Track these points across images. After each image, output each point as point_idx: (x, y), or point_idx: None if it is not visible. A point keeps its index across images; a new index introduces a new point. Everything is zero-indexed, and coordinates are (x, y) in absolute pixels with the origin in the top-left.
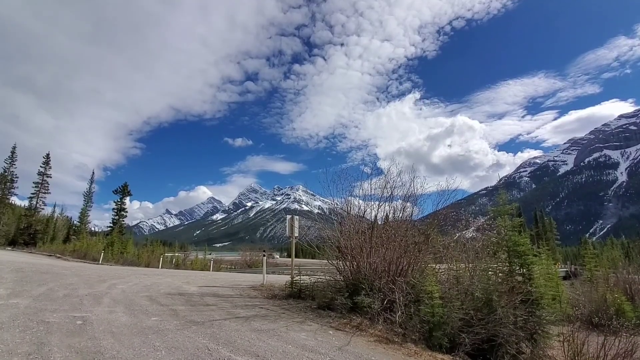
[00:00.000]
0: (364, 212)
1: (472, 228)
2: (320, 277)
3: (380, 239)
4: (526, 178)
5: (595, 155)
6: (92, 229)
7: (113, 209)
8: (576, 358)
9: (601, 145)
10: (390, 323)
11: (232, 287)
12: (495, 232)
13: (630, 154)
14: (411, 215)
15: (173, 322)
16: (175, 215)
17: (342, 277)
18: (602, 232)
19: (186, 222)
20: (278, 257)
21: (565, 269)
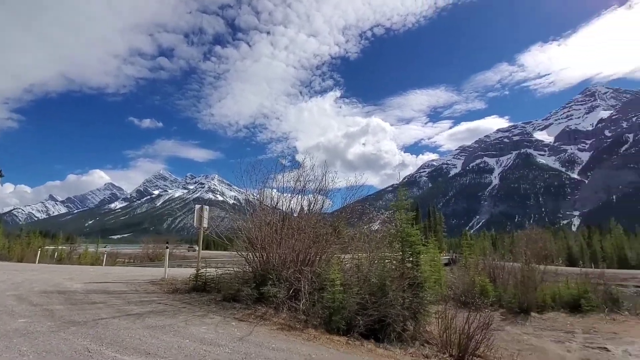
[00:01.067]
0: (277, 203)
1: (378, 221)
2: (229, 268)
3: (291, 230)
4: (425, 178)
5: (478, 161)
6: None
7: None
8: (447, 331)
9: (482, 153)
10: (295, 311)
11: (127, 282)
12: (393, 224)
13: (503, 162)
14: (322, 208)
15: (47, 324)
16: (62, 202)
17: (250, 269)
18: (478, 226)
19: (76, 211)
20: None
21: (448, 257)
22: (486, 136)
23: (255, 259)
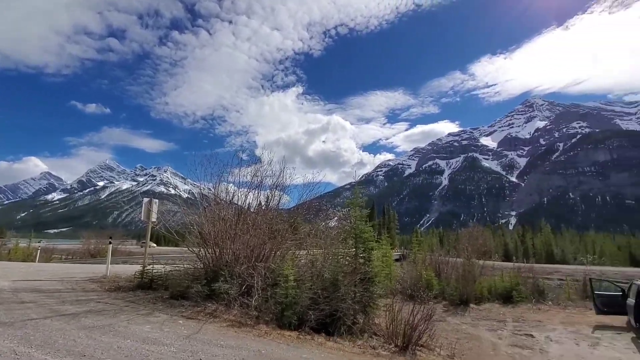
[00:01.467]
0: (232, 198)
1: (335, 218)
2: (179, 265)
3: (246, 225)
4: (381, 177)
5: (430, 162)
6: None
7: None
8: (393, 323)
9: (434, 155)
10: (247, 307)
11: (62, 280)
12: (349, 221)
13: (452, 164)
14: (278, 204)
15: None
16: None
17: (202, 265)
18: (428, 224)
19: (6, 202)
20: (155, 246)
21: (399, 253)
22: (438, 139)
23: (208, 254)
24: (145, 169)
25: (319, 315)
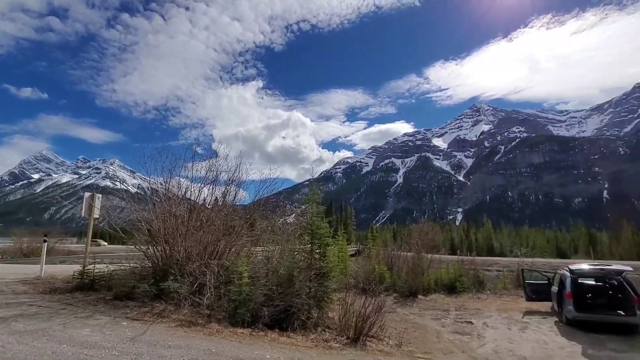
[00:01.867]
0: (185, 193)
1: (294, 214)
2: (124, 264)
3: (200, 221)
4: (340, 174)
5: (386, 161)
6: None
7: None
8: (346, 316)
9: (390, 154)
10: (198, 306)
11: None
12: (306, 217)
13: (407, 163)
14: (234, 200)
15: None
16: None
17: (150, 263)
18: (383, 220)
19: None
20: (106, 245)
21: (355, 248)
22: (394, 139)
23: (157, 252)
24: (89, 161)
25: (273, 311)
